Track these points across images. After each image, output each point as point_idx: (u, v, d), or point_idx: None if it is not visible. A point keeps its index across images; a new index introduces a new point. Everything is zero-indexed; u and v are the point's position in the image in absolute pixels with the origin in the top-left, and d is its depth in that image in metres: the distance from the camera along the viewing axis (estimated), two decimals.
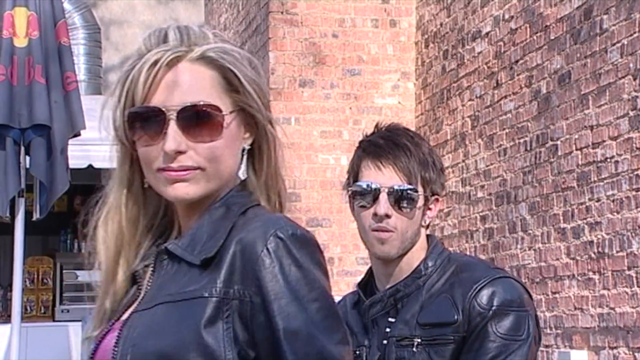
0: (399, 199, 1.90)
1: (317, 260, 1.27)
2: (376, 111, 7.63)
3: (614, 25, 5.13)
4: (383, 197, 1.89)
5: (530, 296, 1.96)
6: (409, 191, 1.90)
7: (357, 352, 1.93)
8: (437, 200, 1.96)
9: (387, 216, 1.89)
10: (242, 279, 1.22)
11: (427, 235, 1.98)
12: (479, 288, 1.87)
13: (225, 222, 1.28)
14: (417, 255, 1.94)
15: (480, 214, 6.54)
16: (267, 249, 1.23)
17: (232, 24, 9.09)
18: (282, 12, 7.63)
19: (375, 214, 1.89)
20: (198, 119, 1.28)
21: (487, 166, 6.47)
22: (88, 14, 9.84)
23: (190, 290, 1.25)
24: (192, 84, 1.29)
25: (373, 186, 1.90)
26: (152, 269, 1.32)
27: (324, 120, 7.64)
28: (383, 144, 1.91)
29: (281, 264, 1.22)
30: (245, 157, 1.33)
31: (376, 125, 2.01)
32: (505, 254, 6.20)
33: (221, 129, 1.29)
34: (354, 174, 1.94)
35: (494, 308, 1.87)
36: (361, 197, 1.91)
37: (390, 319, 1.91)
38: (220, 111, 1.29)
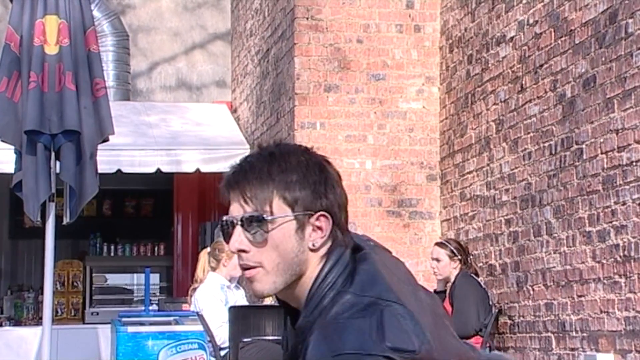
0: (251, 230, 1.65)
1: None
2: (401, 116, 7.66)
3: (639, 29, 5.13)
4: (235, 231, 1.66)
5: None
6: (258, 219, 1.65)
7: None
8: (323, 216, 1.67)
9: (244, 251, 1.67)
10: None
11: (327, 258, 1.67)
12: None
13: None
14: (307, 287, 1.67)
15: (505, 217, 6.55)
16: None
17: (258, 30, 9.15)
18: (307, 18, 7.69)
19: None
20: None
21: (511, 170, 6.48)
22: (117, 21, 9.95)
23: None
24: None
25: (226, 221, 1.67)
26: None
27: (349, 124, 7.68)
28: (232, 174, 1.68)
29: None
30: None
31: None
32: (530, 257, 6.21)
33: None
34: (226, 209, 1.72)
35: None
36: (224, 235, 1.69)
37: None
38: None
